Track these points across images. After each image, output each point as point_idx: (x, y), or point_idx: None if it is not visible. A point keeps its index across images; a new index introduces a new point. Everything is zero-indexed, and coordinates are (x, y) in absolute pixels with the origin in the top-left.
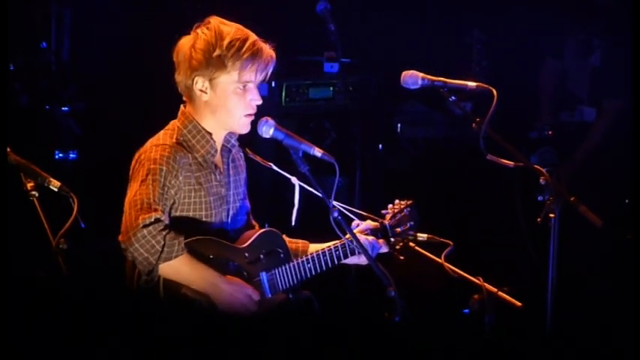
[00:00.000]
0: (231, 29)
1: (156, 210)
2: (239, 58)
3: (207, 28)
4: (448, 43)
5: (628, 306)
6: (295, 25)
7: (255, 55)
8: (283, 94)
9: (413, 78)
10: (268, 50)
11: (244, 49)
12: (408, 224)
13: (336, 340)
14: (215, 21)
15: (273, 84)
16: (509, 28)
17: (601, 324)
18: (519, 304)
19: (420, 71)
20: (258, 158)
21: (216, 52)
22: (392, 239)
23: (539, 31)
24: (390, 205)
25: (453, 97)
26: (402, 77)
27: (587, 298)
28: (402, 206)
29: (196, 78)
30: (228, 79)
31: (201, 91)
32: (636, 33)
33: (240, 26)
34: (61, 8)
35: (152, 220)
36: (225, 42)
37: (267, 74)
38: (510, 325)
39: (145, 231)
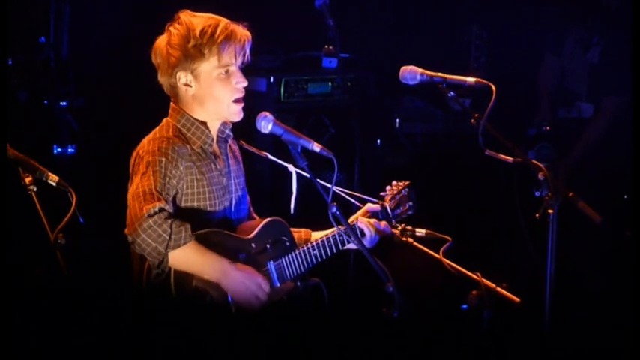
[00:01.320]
0: (201, 19)
1: (159, 199)
2: (214, 43)
3: (179, 23)
4: (447, 39)
5: (626, 302)
6: (294, 20)
7: (230, 37)
8: (282, 89)
9: (412, 73)
10: (242, 30)
11: (217, 33)
12: (407, 205)
13: (337, 335)
14: (185, 15)
15: (271, 79)
16: (508, 24)
17: (599, 320)
18: (517, 299)
19: (419, 67)
20: (253, 149)
21: (191, 43)
22: (393, 221)
23: (538, 27)
24: (388, 187)
25: (452, 93)
26: (400, 72)
27: (586, 294)
28: (400, 187)
29: (178, 74)
30: (209, 66)
31: (185, 85)
32: (636, 32)
33: (211, 14)
34: (60, 3)
35: (156, 209)
36: (198, 31)
37: (245, 55)
38: (508, 320)
39: (150, 221)
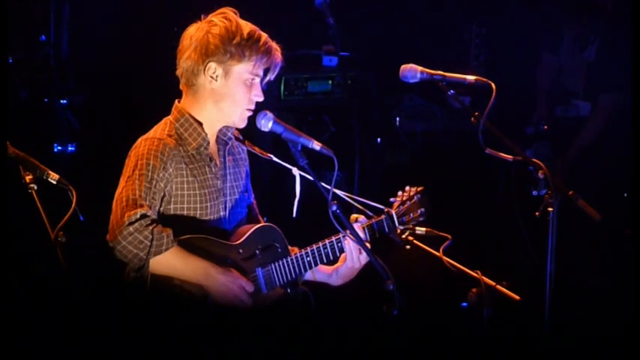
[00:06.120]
0: (247, 24)
1: (142, 206)
2: (257, 50)
3: (226, 19)
4: (447, 38)
5: (626, 300)
6: (294, 18)
7: (270, 51)
8: (282, 87)
9: (412, 72)
10: (279, 53)
11: (261, 42)
12: (419, 211)
13: (334, 333)
14: (231, 13)
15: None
16: (507, 23)
17: (598, 318)
18: (517, 297)
19: (419, 65)
20: (257, 150)
21: (236, 40)
22: (398, 228)
23: (536, 26)
24: (400, 193)
25: (452, 91)
26: (400, 71)
27: (585, 292)
28: (412, 193)
29: (210, 63)
30: (243, 68)
31: (211, 77)
32: (636, 29)
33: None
34: (60, 2)
35: (138, 216)
36: (246, 32)
37: (273, 75)
38: (508, 318)
39: (131, 228)
